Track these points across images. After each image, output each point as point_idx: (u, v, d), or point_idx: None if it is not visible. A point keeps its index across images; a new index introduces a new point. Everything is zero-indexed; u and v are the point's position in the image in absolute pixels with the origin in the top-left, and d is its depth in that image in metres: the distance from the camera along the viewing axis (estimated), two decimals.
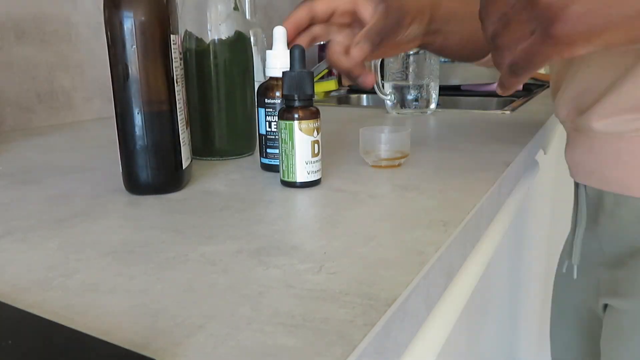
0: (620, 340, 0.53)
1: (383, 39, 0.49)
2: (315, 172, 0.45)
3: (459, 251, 0.36)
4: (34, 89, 0.80)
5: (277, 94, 0.49)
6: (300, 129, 0.43)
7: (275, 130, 0.50)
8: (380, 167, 0.51)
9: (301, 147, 0.44)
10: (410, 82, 0.90)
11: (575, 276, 0.60)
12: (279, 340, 0.22)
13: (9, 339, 0.20)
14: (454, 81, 1.27)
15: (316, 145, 0.44)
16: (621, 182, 0.50)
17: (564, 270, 0.63)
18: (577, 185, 0.58)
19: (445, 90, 1.27)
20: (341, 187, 0.45)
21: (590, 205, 0.56)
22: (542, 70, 1.61)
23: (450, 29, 0.55)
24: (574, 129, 0.54)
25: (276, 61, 0.49)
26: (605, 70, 0.47)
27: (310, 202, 0.41)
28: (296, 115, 0.43)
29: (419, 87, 0.90)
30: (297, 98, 0.43)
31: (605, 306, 0.56)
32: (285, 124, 0.44)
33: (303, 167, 0.44)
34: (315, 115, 0.44)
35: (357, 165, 0.52)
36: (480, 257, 0.48)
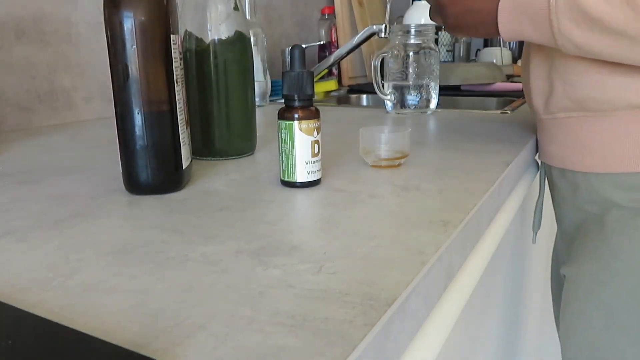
0: (564, 306, 0.60)
1: None
2: (315, 172, 0.45)
3: (459, 251, 0.36)
4: (34, 89, 0.80)
5: None
6: (300, 129, 0.43)
7: None
8: (380, 167, 0.51)
9: (301, 147, 0.44)
10: (410, 82, 0.90)
11: (534, 242, 0.74)
12: (279, 340, 0.22)
13: (9, 339, 0.20)
14: (454, 81, 1.27)
15: (316, 145, 0.44)
16: (559, 158, 0.59)
17: (533, 242, 0.76)
18: (541, 164, 0.68)
19: (445, 90, 1.27)
20: (341, 187, 0.45)
21: (543, 180, 0.68)
22: None
23: None
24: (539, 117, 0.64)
25: None
26: (544, 61, 0.58)
27: (310, 202, 0.41)
28: (296, 115, 0.43)
29: (419, 87, 0.90)
30: (297, 98, 0.43)
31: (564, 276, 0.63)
32: (285, 124, 0.44)
33: (303, 167, 0.44)
34: (315, 115, 0.44)
35: (357, 165, 0.52)
36: (480, 257, 0.48)
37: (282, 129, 0.44)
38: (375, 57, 0.91)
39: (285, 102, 0.45)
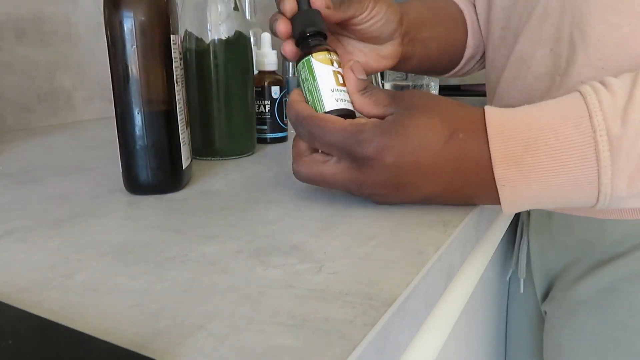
0: (546, 339, 0.58)
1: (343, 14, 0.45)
2: (345, 100, 0.40)
3: (459, 251, 0.36)
4: (34, 89, 0.80)
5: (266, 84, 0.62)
6: (319, 60, 0.40)
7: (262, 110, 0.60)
8: None
9: (322, 77, 0.40)
10: (410, 83, 0.90)
11: (521, 290, 0.65)
12: (279, 340, 0.22)
13: (9, 339, 0.20)
14: (454, 81, 1.27)
15: (339, 76, 0.41)
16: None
17: (507, 279, 0.70)
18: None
19: (445, 90, 1.27)
20: None
21: (525, 220, 0.62)
22: None
23: (425, 36, 0.56)
24: None
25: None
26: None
27: (310, 202, 0.41)
28: (311, 50, 0.40)
29: (419, 87, 0.90)
30: (309, 34, 0.41)
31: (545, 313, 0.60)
32: (302, 63, 0.41)
33: (329, 95, 0.40)
34: (331, 48, 0.41)
35: None
36: (480, 257, 0.48)
37: (300, 70, 0.41)
38: None
39: (298, 45, 0.42)
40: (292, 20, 0.42)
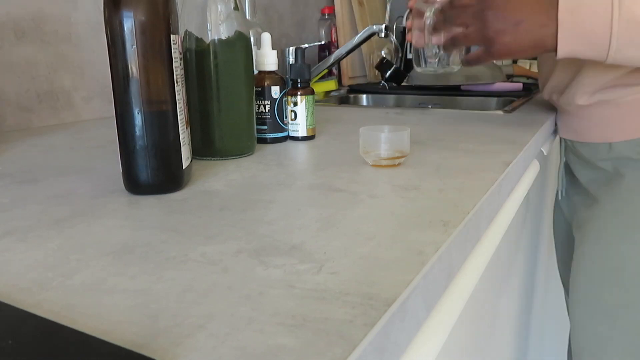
0: (580, 260, 0.72)
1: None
2: (313, 127, 0.69)
3: (459, 251, 0.36)
4: (34, 89, 0.80)
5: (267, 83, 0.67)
6: (302, 99, 0.67)
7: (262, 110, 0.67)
8: (380, 166, 0.51)
9: (303, 108, 0.67)
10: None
11: (560, 197, 0.87)
12: (279, 340, 0.22)
13: (9, 339, 0.20)
14: (454, 81, 1.27)
15: (312, 109, 0.68)
16: (580, 132, 0.74)
17: (559, 198, 0.89)
18: (560, 139, 0.84)
19: (445, 90, 1.27)
20: (341, 187, 0.45)
21: (569, 151, 0.80)
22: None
23: None
24: (558, 104, 0.79)
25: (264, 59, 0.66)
26: (569, 67, 0.72)
27: (310, 202, 0.41)
28: (299, 92, 0.67)
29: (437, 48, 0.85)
30: (299, 81, 0.68)
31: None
32: (292, 97, 0.67)
33: (309, 120, 0.68)
34: (311, 92, 0.67)
35: (357, 165, 0.52)
36: (480, 257, 0.48)
37: (291, 100, 0.67)
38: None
39: (292, 84, 0.67)
40: (290, 68, 0.65)
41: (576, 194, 0.80)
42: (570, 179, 0.83)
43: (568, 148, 0.81)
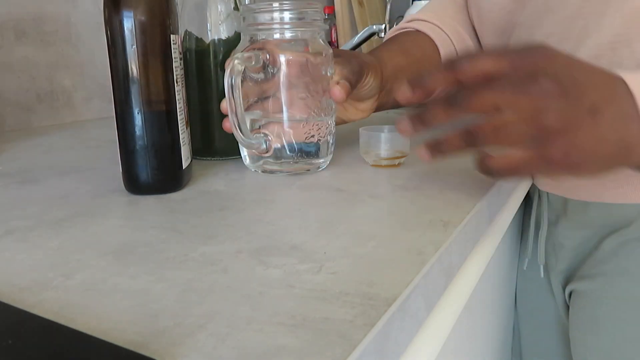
0: (588, 320, 0.60)
1: (356, 80, 0.51)
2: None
3: (459, 251, 0.36)
4: (34, 89, 0.80)
5: None
6: None
7: None
8: (380, 166, 0.51)
9: None
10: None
11: (542, 275, 0.68)
12: (279, 340, 0.22)
13: (9, 339, 0.20)
14: None
15: None
16: (591, 192, 0.58)
17: (525, 268, 0.72)
18: (538, 193, 0.67)
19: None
20: (341, 187, 0.45)
21: (552, 209, 0.65)
22: None
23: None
24: None
25: None
26: None
27: (310, 202, 0.41)
28: None
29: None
30: None
31: (570, 294, 0.63)
32: None
33: None
34: None
35: (357, 165, 0.52)
36: (480, 257, 0.48)
37: None
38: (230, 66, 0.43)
39: None
40: None
41: (574, 266, 0.64)
42: (555, 247, 0.66)
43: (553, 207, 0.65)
